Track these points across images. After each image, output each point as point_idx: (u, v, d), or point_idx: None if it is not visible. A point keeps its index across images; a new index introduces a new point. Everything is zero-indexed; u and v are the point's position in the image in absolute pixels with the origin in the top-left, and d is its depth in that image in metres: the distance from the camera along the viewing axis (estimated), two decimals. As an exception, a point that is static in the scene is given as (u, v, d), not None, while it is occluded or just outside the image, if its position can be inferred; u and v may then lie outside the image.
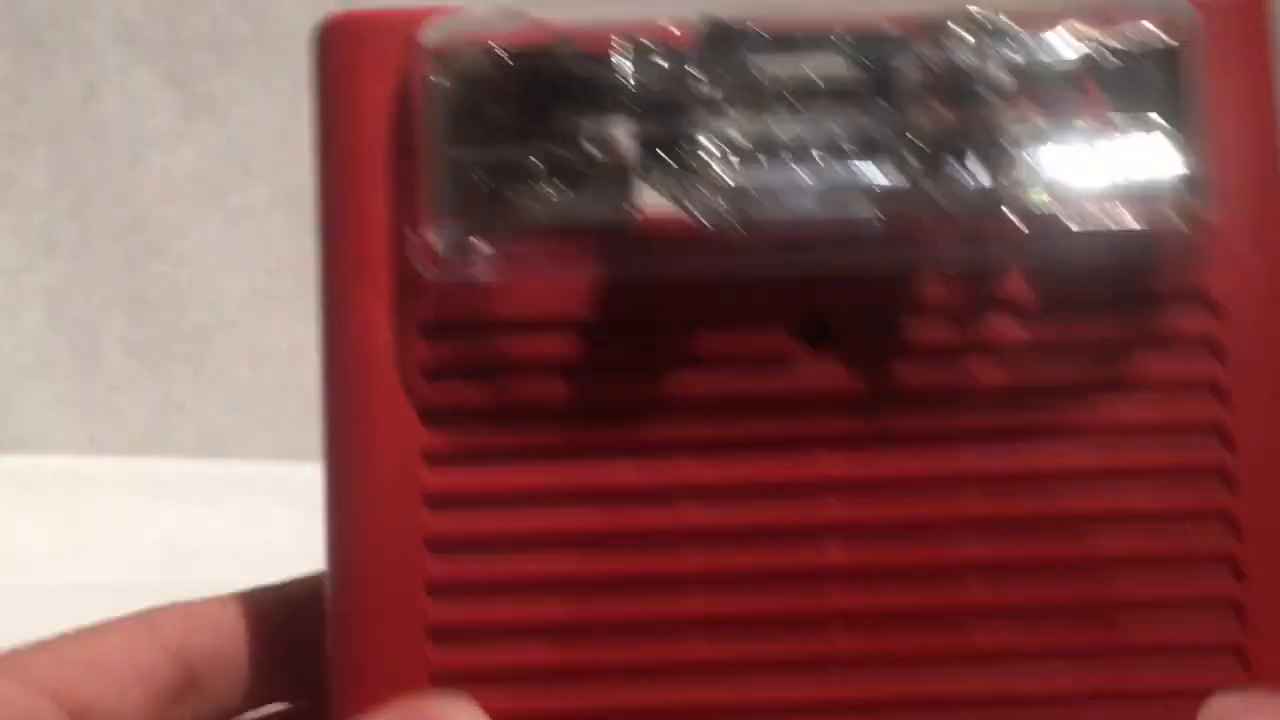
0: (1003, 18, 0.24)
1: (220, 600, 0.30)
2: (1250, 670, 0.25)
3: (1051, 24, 0.24)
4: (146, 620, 0.30)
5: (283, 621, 0.30)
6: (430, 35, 0.24)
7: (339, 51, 0.25)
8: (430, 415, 0.25)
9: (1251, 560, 0.25)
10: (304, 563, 0.68)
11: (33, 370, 0.82)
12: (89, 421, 0.82)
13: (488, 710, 0.24)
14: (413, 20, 0.24)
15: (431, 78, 0.23)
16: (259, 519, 0.73)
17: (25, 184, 0.81)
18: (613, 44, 0.23)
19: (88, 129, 0.80)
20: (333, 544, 0.26)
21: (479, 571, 0.25)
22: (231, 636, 0.29)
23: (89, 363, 0.82)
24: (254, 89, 0.80)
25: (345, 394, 0.25)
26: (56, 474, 0.77)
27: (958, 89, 0.23)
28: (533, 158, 0.23)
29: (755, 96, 0.23)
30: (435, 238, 0.24)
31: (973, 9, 0.24)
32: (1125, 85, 0.23)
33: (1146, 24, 0.24)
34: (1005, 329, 0.25)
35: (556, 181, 0.23)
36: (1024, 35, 0.24)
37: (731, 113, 0.23)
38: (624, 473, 0.25)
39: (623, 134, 0.23)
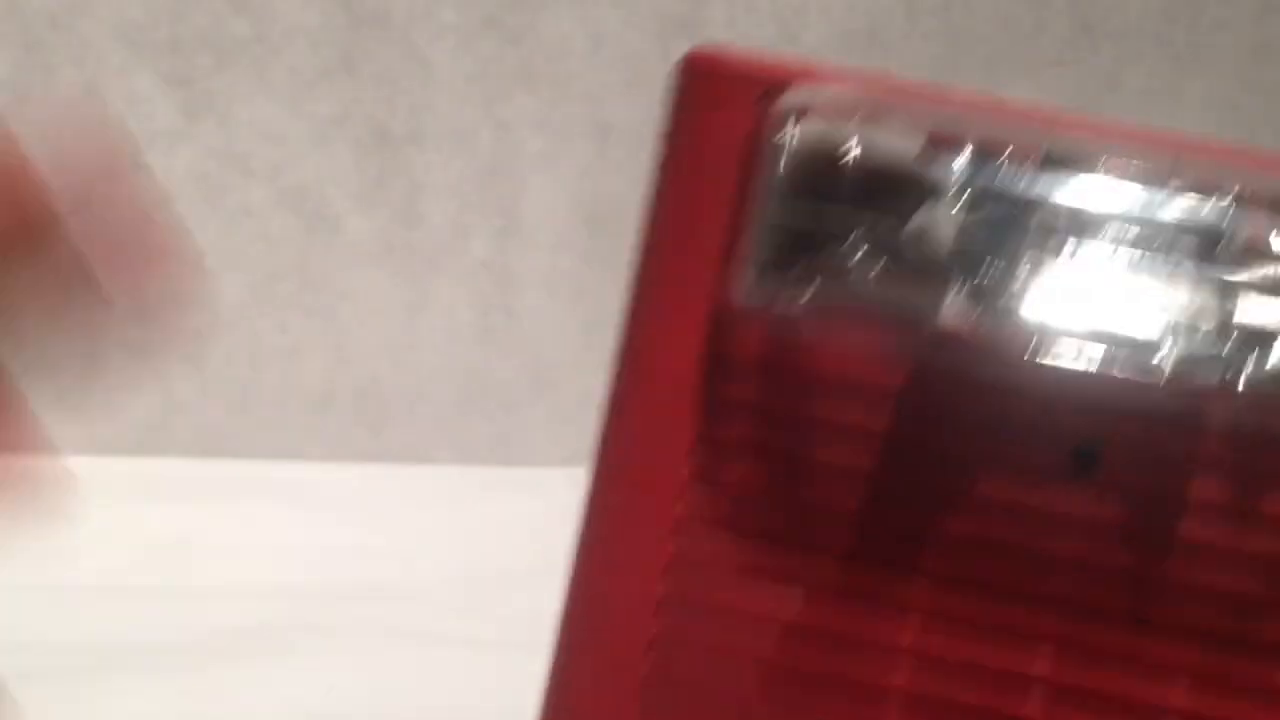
0: None
1: None
2: None
3: None
4: None
5: None
6: (789, 99, 0.24)
7: (698, 85, 0.26)
8: (702, 442, 0.25)
9: None
10: (303, 562, 0.68)
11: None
12: (89, 421, 0.82)
13: None
14: (776, 73, 0.25)
15: (778, 139, 0.24)
16: (259, 519, 0.73)
17: (25, 184, 0.81)
18: (959, 148, 0.24)
19: (88, 129, 0.80)
20: (583, 521, 0.27)
21: (706, 596, 0.26)
22: None
23: (89, 362, 0.82)
24: (254, 89, 0.80)
25: (628, 407, 0.26)
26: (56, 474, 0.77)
27: None
28: (856, 235, 0.24)
29: (1079, 229, 0.24)
30: (750, 281, 0.25)
31: None
32: None
33: None
34: (1271, 501, 0.25)
35: (873, 262, 0.24)
36: None
37: (1053, 240, 0.24)
38: (869, 550, 0.25)
39: (946, 234, 0.23)
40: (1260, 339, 0.23)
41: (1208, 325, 0.24)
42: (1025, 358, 0.24)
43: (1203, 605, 0.25)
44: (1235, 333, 0.23)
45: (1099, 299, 0.24)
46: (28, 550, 0.72)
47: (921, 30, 0.86)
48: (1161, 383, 0.24)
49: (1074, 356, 0.24)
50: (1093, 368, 0.24)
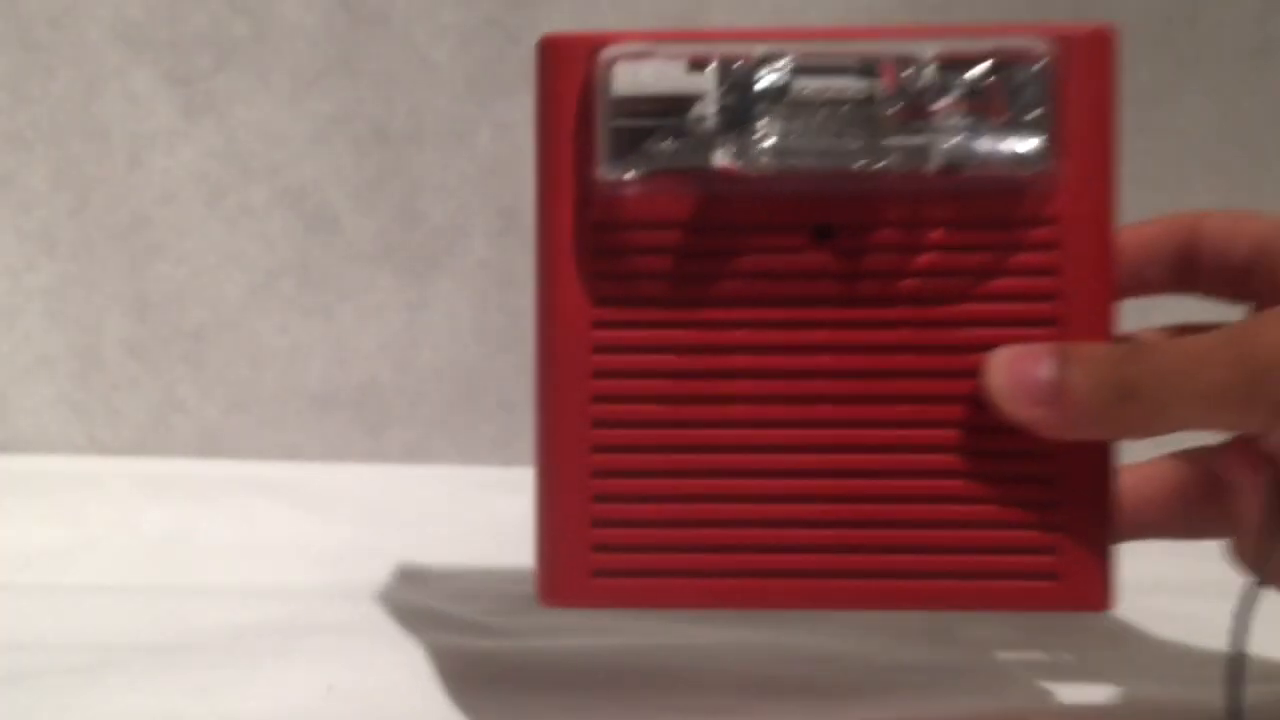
0: (955, 46, 0.42)
1: None
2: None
3: (976, 58, 0.42)
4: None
5: None
6: (605, 54, 0.42)
7: (550, 58, 0.43)
8: (598, 275, 0.43)
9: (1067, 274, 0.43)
10: (304, 562, 0.68)
11: (33, 370, 0.82)
12: (89, 421, 0.82)
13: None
14: (601, 41, 0.42)
15: (603, 81, 0.42)
16: (259, 519, 0.73)
17: (25, 184, 0.81)
18: (710, 62, 0.42)
19: (88, 129, 0.80)
20: (537, 341, 0.44)
21: (624, 364, 0.43)
22: None
23: (89, 363, 0.82)
24: (254, 89, 0.80)
25: (546, 261, 0.43)
26: (56, 474, 0.77)
27: (915, 94, 0.42)
28: (660, 128, 0.42)
29: (790, 95, 0.42)
30: (602, 171, 0.42)
31: (930, 52, 0.42)
32: (1016, 91, 0.42)
33: (1032, 47, 0.42)
34: (931, 232, 0.43)
35: (671, 141, 0.42)
36: (956, 66, 0.42)
37: (776, 106, 0.42)
38: (705, 314, 0.43)
39: (710, 116, 0.42)
40: (908, 134, 0.42)
41: (894, 136, 0.42)
42: (772, 176, 0.42)
43: (916, 308, 0.43)
44: (894, 134, 0.42)
45: (819, 131, 0.42)
46: (28, 550, 0.73)
47: (921, 30, 0.86)
48: (869, 173, 0.42)
49: (806, 167, 0.42)
50: (821, 170, 0.42)
